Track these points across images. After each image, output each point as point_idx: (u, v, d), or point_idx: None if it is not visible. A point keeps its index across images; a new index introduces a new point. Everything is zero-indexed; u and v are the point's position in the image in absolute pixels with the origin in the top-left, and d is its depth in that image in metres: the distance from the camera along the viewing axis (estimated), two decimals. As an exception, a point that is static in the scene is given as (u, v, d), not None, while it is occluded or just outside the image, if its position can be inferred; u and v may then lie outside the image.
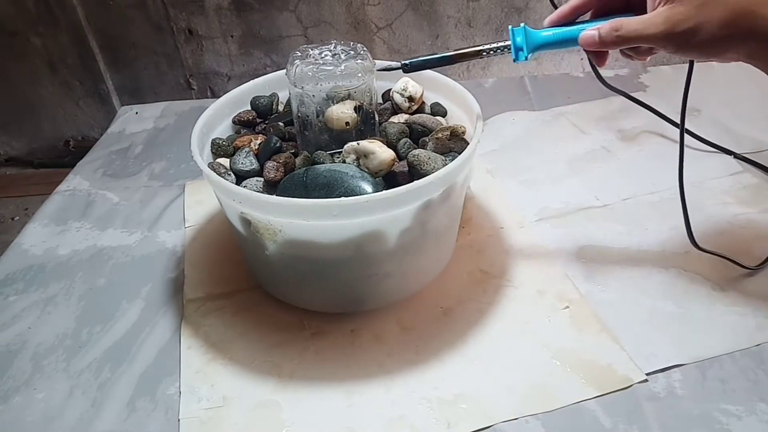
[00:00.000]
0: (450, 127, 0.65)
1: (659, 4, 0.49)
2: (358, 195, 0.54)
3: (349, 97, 0.62)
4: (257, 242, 0.57)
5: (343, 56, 0.62)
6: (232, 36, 1.31)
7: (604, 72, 1.11)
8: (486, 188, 0.81)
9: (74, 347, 0.61)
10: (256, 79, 0.72)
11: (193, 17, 1.29)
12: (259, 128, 0.69)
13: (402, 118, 0.68)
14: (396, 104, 0.69)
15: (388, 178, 0.58)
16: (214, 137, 0.65)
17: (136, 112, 1.11)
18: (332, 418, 0.53)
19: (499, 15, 1.26)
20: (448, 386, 0.55)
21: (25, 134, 1.48)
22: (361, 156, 0.58)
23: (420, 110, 0.70)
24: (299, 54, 0.63)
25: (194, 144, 0.59)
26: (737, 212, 0.73)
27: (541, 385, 0.54)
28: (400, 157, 0.61)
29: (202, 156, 0.59)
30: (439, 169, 0.55)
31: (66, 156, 1.46)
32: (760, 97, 0.99)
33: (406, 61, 0.60)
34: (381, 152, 0.57)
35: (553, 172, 0.84)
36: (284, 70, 0.63)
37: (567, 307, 0.62)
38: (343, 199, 0.50)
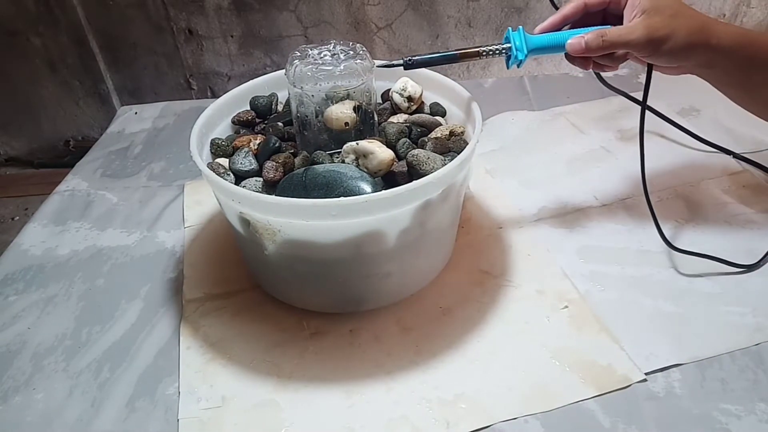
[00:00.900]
0: (449, 127, 0.65)
1: (635, 15, 0.57)
2: (357, 195, 0.54)
3: (348, 97, 0.62)
4: (256, 242, 0.57)
5: (342, 56, 0.62)
6: (232, 36, 1.31)
7: (603, 72, 1.11)
8: (485, 188, 0.81)
9: (74, 347, 0.61)
10: (255, 79, 0.72)
11: (193, 17, 1.29)
12: (259, 128, 0.69)
13: (401, 118, 0.68)
14: (395, 104, 0.69)
15: (387, 178, 0.58)
16: (213, 137, 0.65)
17: (135, 113, 1.11)
18: (332, 418, 0.53)
19: (499, 15, 1.26)
20: (447, 386, 0.55)
21: (25, 134, 1.48)
22: (361, 156, 0.58)
23: (419, 110, 0.70)
24: (298, 54, 0.63)
25: (193, 144, 0.59)
26: (736, 212, 0.73)
27: (540, 385, 0.54)
28: (399, 157, 0.61)
29: (201, 156, 0.59)
30: (438, 169, 0.55)
31: (66, 156, 1.46)
32: (760, 97, 0.99)
33: (409, 58, 0.61)
34: (380, 152, 0.57)
35: (553, 172, 0.84)
36: (283, 70, 0.63)
37: (566, 306, 0.62)
38: (342, 199, 0.50)
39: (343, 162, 0.60)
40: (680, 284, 0.64)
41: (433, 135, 0.64)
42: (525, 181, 0.82)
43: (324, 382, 0.56)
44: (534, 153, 0.89)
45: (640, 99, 0.88)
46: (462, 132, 0.64)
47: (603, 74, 0.86)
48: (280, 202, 0.52)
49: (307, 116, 0.63)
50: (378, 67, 0.64)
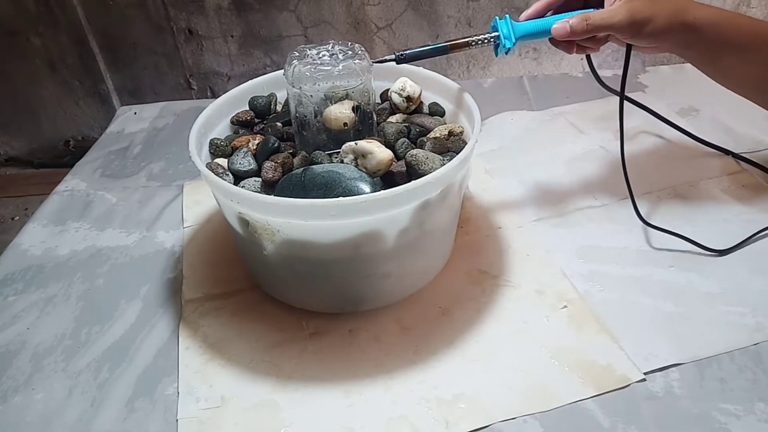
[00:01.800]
0: (448, 127, 0.65)
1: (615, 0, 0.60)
2: (356, 195, 0.54)
3: (347, 97, 0.62)
4: (255, 242, 0.57)
5: (341, 56, 0.62)
6: (232, 36, 1.31)
7: (603, 72, 1.11)
8: (484, 188, 0.81)
9: (73, 347, 0.61)
10: (254, 79, 0.72)
11: (193, 17, 1.29)
12: (257, 128, 0.69)
13: (400, 118, 0.68)
14: (394, 104, 0.69)
15: (386, 178, 0.58)
16: (212, 137, 0.65)
17: (135, 113, 1.11)
18: (331, 417, 0.53)
19: (499, 15, 1.25)
20: (446, 386, 0.55)
21: (25, 134, 1.48)
22: (359, 156, 0.58)
23: (418, 110, 0.70)
24: (297, 54, 0.63)
25: (192, 144, 0.59)
26: (736, 212, 0.73)
27: (539, 385, 0.54)
28: (398, 157, 0.61)
29: (200, 156, 0.59)
30: (437, 169, 0.55)
31: (66, 156, 1.46)
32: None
33: (401, 53, 0.62)
34: (379, 152, 0.57)
35: (552, 172, 0.84)
36: (282, 71, 0.63)
37: (565, 306, 0.62)
38: (341, 199, 0.50)
39: (341, 162, 0.60)
40: (679, 284, 0.64)
41: (431, 135, 0.64)
42: (524, 181, 0.82)
43: (323, 382, 0.56)
44: (533, 153, 0.89)
45: (639, 99, 0.89)
46: (461, 132, 0.64)
47: (601, 74, 0.86)
48: (279, 202, 0.52)
49: (305, 116, 0.63)
50: (374, 62, 0.64)
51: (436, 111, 0.69)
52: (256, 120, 0.70)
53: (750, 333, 0.58)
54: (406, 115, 0.68)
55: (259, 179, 0.59)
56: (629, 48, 0.65)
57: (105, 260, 0.73)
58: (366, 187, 0.55)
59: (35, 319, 0.65)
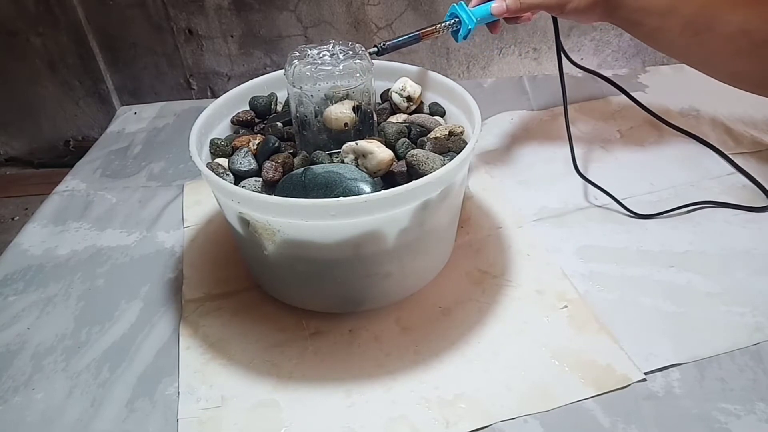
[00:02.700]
0: (448, 127, 0.65)
1: None
2: (356, 195, 0.54)
3: (347, 97, 0.62)
4: (256, 242, 0.57)
5: (341, 56, 0.62)
6: (232, 36, 1.31)
7: (602, 72, 1.11)
8: (484, 188, 0.81)
9: (73, 347, 0.61)
10: (254, 79, 0.72)
11: (193, 17, 1.29)
12: (258, 128, 0.69)
13: (400, 118, 0.68)
14: (394, 104, 0.69)
15: (386, 178, 0.58)
16: (212, 137, 0.65)
17: (135, 113, 1.11)
18: (331, 417, 0.53)
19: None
20: (447, 386, 0.55)
21: (25, 134, 1.48)
22: (360, 156, 0.58)
23: (418, 110, 0.70)
24: (297, 54, 0.63)
25: (193, 144, 0.59)
26: (736, 212, 0.73)
27: (539, 385, 0.54)
28: (398, 157, 0.61)
29: (200, 156, 0.59)
30: (437, 169, 0.55)
31: (66, 156, 1.46)
32: (760, 97, 0.99)
33: (382, 43, 0.69)
34: (379, 152, 0.57)
35: (552, 171, 0.84)
36: (283, 70, 0.63)
37: (566, 306, 0.62)
38: (341, 199, 0.50)
39: (342, 162, 0.60)
40: (679, 284, 0.64)
41: (432, 135, 0.64)
42: (524, 181, 0.82)
43: (323, 382, 0.56)
44: (533, 153, 0.89)
45: (640, 100, 0.89)
46: (461, 132, 0.64)
47: (603, 74, 0.87)
48: (280, 202, 0.52)
49: (306, 116, 0.63)
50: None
51: (437, 111, 0.69)
52: (257, 120, 0.70)
53: (750, 333, 0.58)
54: (406, 115, 0.68)
55: (260, 179, 0.59)
56: (555, 21, 0.78)
57: (105, 260, 0.73)
58: (366, 187, 0.55)
59: (35, 319, 0.65)
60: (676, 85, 1.05)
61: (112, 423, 0.54)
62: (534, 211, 0.76)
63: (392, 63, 0.72)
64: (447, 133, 0.64)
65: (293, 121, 0.64)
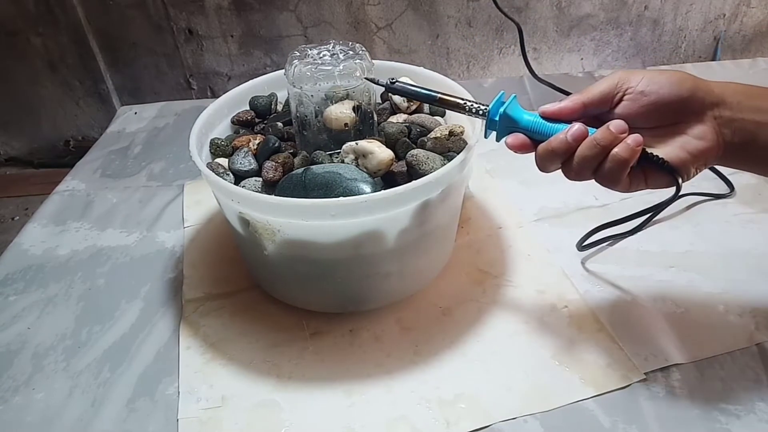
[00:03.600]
0: (449, 126, 0.65)
1: None
2: (356, 195, 0.54)
3: (347, 97, 0.62)
4: (256, 242, 0.57)
5: (341, 56, 0.62)
6: (232, 36, 1.31)
7: (603, 72, 1.11)
8: (485, 188, 0.81)
9: (74, 347, 0.61)
10: (254, 79, 0.72)
11: (193, 17, 1.29)
12: (258, 128, 0.69)
13: (401, 118, 0.68)
14: (395, 104, 0.69)
15: (386, 178, 0.58)
16: (212, 137, 0.65)
17: (135, 112, 1.11)
18: (332, 418, 0.53)
19: (498, 15, 1.26)
20: (447, 386, 0.55)
21: (25, 134, 1.48)
22: (360, 156, 0.58)
23: (419, 110, 0.70)
24: (298, 54, 0.63)
25: (193, 144, 0.59)
26: (737, 212, 0.73)
27: (540, 385, 0.54)
28: (398, 157, 0.61)
29: (200, 156, 0.59)
30: (437, 169, 0.55)
31: (66, 156, 1.46)
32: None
33: (394, 80, 0.55)
34: (380, 152, 0.57)
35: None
36: (283, 70, 0.63)
37: (566, 306, 0.62)
38: (341, 199, 0.50)
39: (342, 162, 0.60)
40: (680, 284, 0.64)
41: (432, 135, 0.64)
42: (525, 181, 0.82)
43: (324, 382, 0.56)
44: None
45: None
46: (461, 132, 0.64)
47: (603, 74, 0.86)
48: (280, 202, 0.52)
49: (306, 116, 0.63)
50: (365, 78, 0.61)
51: (437, 111, 0.69)
52: (257, 120, 0.70)
53: (750, 333, 0.58)
54: (406, 115, 0.68)
55: (260, 179, 0.59)
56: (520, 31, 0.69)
57: (105, 260, 0.73)
58: (366, 187, 0.55)
59: (36, 318, 0.65)
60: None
61: (113, 423, 0.54)
62: (534, 211, 0.76)
63: (392, 63, 0.72)
64: (447, 133, 0.64)
65: (293, 121, 0.64)
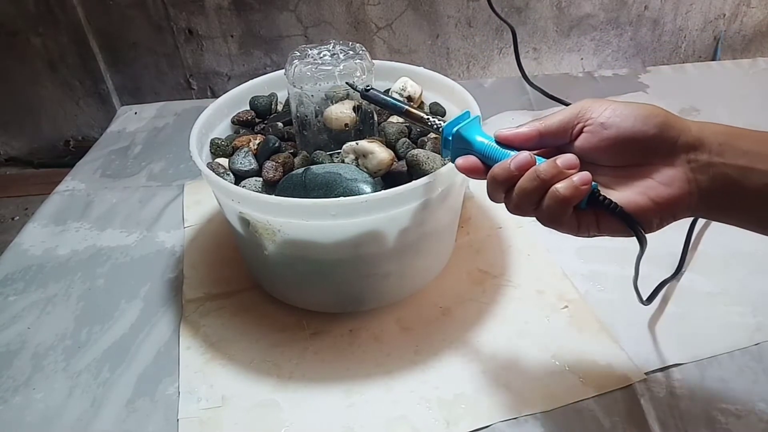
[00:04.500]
0: (449, 126, 0.65)
1: None
2: (356, 195, 0.54)
3: (347, 96, 0.62)
4: (256, 242, 0.57)
5: (341, 56, 0.62)
6: (232, 36, 1.31)
7: (603, 72, 1.11)
8: (485, 188, 0.80)
9: (73, 347, 0.61)
10: (254, 79, 0.72)
11: (193, 17, 1.29)
12: (258, 128, 0.69)
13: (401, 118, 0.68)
14: (395, 104, 0.69)
15: (386, 178, 0.58)
16: (213, 137, 0.65)
17: (135, 112, 1.11)
18: (331, 417, 0.53)
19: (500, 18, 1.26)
20: (447, 386, 0.55)
21: (25, 134, 1.48)
22: (360, 156, 0.58)
23: (419, 110, 0.69)
24: (298, 54, 0.63)
25: (193, 144, 0.59)
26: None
27: (540, 385, 0.54)
28: (398, 157, 0.61)
29: (200, 156, 0.59)
30: (437, 168, 0.55)
31: (66, 156, 1.46)
32: (760, 97, 0.99)
33: (368, 88, 0.54)
34: (380, 152, 0.57)
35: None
36: (283, 70, 0.63)
37: (566, 306, 0.62)
38: (341, 198, 0.50)
39: (342, 162, 0.60)
40: (680, 284, 0.64)
41: (432, 135, 0.64)
42: (525, 180, 0.82)
43: (324, 382, 0.56)
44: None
45: (641, 99, 0.89)
46: (462, 132, 0.64)
47: (603, 74, 0.86)
48: (280, 202, 0.52)
49: (306, 116, 0.63)
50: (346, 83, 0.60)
51: (437, 111, 0.69)
52: (257, 120, 0.70)
53: (750, 333, 0.58)
54: (406, 115, 0.68)
55: (260, 179, 0.59)
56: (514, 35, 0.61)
57: (105, 260, 0.73)
58: (367, 187, 0.55)
59: (35, 318, 0.65)
60: (677, 85, 1.05)
61: (113, 423, 0.54)
62: (534, 211, 0.76)
63: (392, 63, 0.72)
64: (447, 133, 0.64)
65: (293, 121, 0.64)
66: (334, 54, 0.62)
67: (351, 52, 0.63)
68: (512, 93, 1.07)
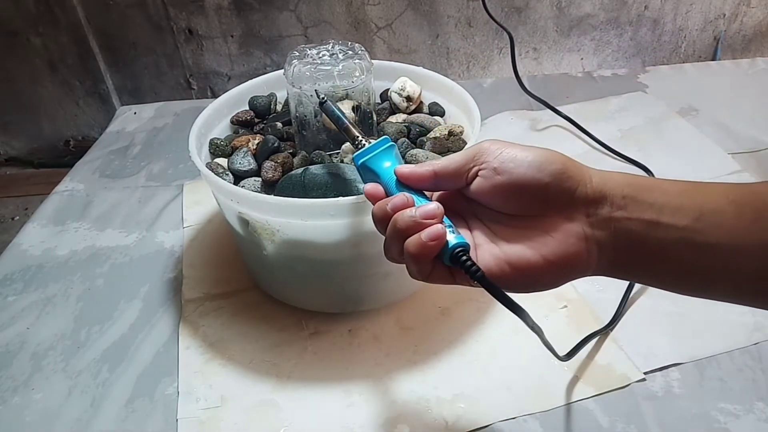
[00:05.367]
0: (448, 126, 0.65)
1: None
2: (355, 195, 0.54)
3: (347, 96, 0.62)
4: (255, 242, 0.57)
5: (341, 56, 0.62)
6: (232, 36, 1.31)
7: (602, 72, 1.11)
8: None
9: (73, 347, 0.61)
10: (254, 79, 0.72)
11: (193, 17, 1.29)
12: (257, 128, 0.69)
13: (400, 117, 0.68)
14: (394, 104, 0.69)
15: (386, 178, 0.58)
16: (212, 137, 0.65)
17: (135, 112, 1.11)
18: (331, 417, 0.53)
19: (499, 15, 1.26)
20: (446, 386, 0.55)
21: (25, 134, 1.48)
22: (359, 156, 0.58)
23: (418, 110, 0.70)
24: (297, 54, 0.63)
25: (192, 144, 0.59)
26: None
27: (539, 385, 0.54)
28: (398, 157, 0.60)
29: (200, 156, 0.59)
30: (436, 168, 0.54)
31: (66, 156, 1.46)
32: (760, 97, 0.99)
33: (323, 100, 0.51)
34: (379, 152, 0.57)
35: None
36: (282, 70, 0.63)
37: (565, 306, 0.62)
38: (340, 198, 0.50)
39: (341, 162, 0.60)
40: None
41: (431, 135, 0.64)
42: (524, 180, 0.82)
43: (323, 382, 0.56)
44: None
45: (641, 99, 0.89)
46: (461, 132, 0.64)
47: (602, 74, 0.86)
48: (279, 202, 0.52)
49: (305, 116, 0.63)
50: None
51: (436, 111, 0.69)
52: (256, 120, 0.70)
53: (749, 333, 0.58)
54: (406, 115, 0.68)
55: (259, 179, 0.59)
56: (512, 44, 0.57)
57: (105, 260, 0.73)
58: (366, 187, 0.55)
59: (35, 319, 0.65)
60: (676, 85, 1.05)
61: (112, 423, 0.54)
62: (534, 211, 0.76)
63: (392, 63, 0.72)
64: (446, 132, 0.64)
65: (293, 121, 0.64)
66: (334, 54, 0.62)
67: (350, 52, 0.63)
68: (512, 93, 1.07)
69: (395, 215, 0.38)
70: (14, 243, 0.77)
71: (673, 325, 0.59)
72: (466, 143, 0.60)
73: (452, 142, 0.63)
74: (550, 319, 0.61)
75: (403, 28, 1.29)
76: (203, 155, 0.63)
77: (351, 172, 0.57)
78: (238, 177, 0.61)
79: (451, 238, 0.37)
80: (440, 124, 0.66)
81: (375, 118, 0.65)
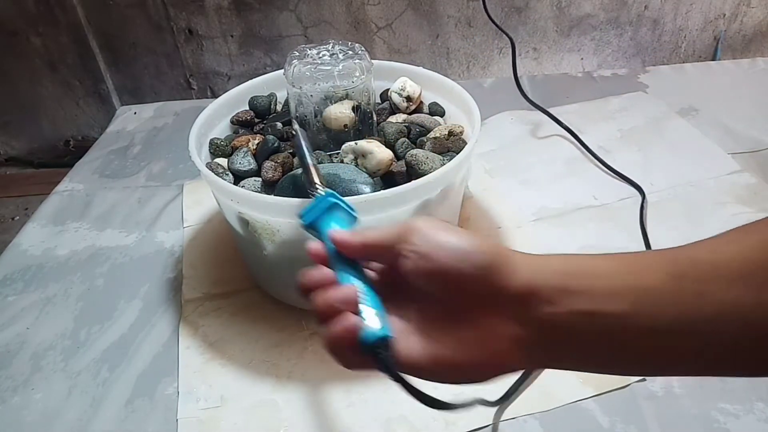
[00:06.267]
0: (448, 127, 0.65)
1: None
2: (356, 195, 0.54)
3: (347, 96, 0.62)
4: (255, 242, 0.57)
5: (341, 56, 0.62)
6: (232, 36, 1.31)
7: (602, 72, 1.11)
8: (484, 188, 0.81)
9: (73, 347, 0.61)
10: (254, 79, 0.72)
11: (193, 17, 1.29)
12: (257, 128, 0.69)
13: (400, 117, 0.68)
14: (394, 104, 0.69)
15: (386, 178, 0.58)
16: (212, 137, 0.65)
17: (135, 112, 1.11)
18: (330, 417, 0.53)
19: (499, 15, 1.26)
20: (446, 385, 0.55)
21: (25, 134, 1.48)
22: (359, 156, 0.58)
23: (418, 110, 0.70)
24: (297, 54, 0.63)
25: (192, 144, 0.59)
26: (735, 212, 0.73)
27: (539, 385, 0.54)
28: (398, 157, 0.61)
29: (200, 156, 0.59)
30: (437, 169, 0.55)
31: (66, 156, 1.46)
32: (760, 97, 0.99)
33: (293, 133, 0.51)
34: (379, 152, 0.57)
35: (551, 172, 0.84)
36: (282, 70, 0.63)
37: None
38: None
39: (342, 162, 0.60)
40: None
41: (431, 135, 0.64)
42: (524, 181, 0.82)
43: (323, 382, 0.56)
44: (533, 153, 0.89)
45: (640, 99, 0.89)
46: (461, 132, 0.64)
47: (601, 74, 0.86)
48: (279, 202, 0.52)
49: (306, 116, 0.63)
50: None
51: (436, 111, 0.69)
52: (256, 120, 0.70)
53: (750, 333, 0.58)
54: (406, 115, 0.68)
55: (259, 179, 0.59)
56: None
57: (105, 260, 0.73)
58: (366, 187, 0.55)
59: (35, 319, 0.65)
60: (676, 85, 1.05)
61: (112, 423, 0.54)
62: (533, 211, 0.76)
63: (392, 63, 0.72)
64: (446, 133, 0.64)
65: (293, 121, 0.64)
66: (334, 54, 0.62)
67: (350, 52, 0.63)
68: (512, 93, 1.07)
69: (313, 292, 0.36)
70: (14, 243, 0.77)
71: (673, 326, 0.59)
72: (466, 143, 0.60)
73: (452, 142, 0.63)
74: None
75: (403, 28, 1.29)
76: (203, 155, 0.63)
77: (351, 172, 0.57)
78: (238, 177, 0.61)
79: (373, 326, 0.33)
80: (440, 124, 0.66)
81: (375, 118, 0.65)
